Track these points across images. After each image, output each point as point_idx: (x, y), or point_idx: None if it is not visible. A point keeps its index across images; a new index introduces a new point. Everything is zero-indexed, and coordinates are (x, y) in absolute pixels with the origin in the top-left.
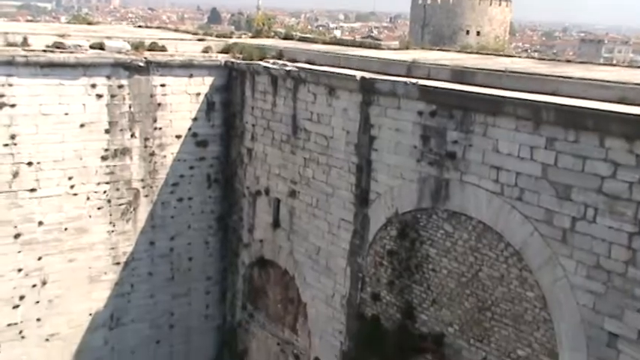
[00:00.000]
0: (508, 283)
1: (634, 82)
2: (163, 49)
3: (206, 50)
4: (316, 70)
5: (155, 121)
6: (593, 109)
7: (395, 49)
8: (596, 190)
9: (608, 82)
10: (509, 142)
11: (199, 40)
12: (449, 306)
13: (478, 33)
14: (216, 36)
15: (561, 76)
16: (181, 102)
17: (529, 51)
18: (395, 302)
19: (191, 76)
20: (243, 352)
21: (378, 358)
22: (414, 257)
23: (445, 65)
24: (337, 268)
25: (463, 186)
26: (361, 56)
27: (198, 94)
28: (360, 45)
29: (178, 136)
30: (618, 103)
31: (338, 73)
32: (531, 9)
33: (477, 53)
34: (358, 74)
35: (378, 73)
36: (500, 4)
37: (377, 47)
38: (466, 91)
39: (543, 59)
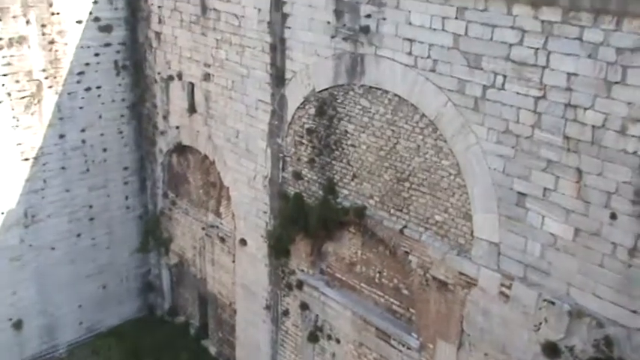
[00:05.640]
0: (424, 153)
1: None
2: None
3: None
4: None
5: (51, 5)
6: None
7: None
8: (505, 57)
9: None
10: (421, 13)
11: None
12: (369, 179)
13: None
14: None
15: None
16: None
17: None
18: (317, 179)
19: None
20: (168, 239)
21: (302, 234)
22: (333, 134)
23: None
24: (257, 149)
25: (378, 60)
26: None
27: None
28: None
29: (79, 22)
30: None
31: None
32: None
33: None
34: None
35: None
36: None
37: None
38: None
39: None
